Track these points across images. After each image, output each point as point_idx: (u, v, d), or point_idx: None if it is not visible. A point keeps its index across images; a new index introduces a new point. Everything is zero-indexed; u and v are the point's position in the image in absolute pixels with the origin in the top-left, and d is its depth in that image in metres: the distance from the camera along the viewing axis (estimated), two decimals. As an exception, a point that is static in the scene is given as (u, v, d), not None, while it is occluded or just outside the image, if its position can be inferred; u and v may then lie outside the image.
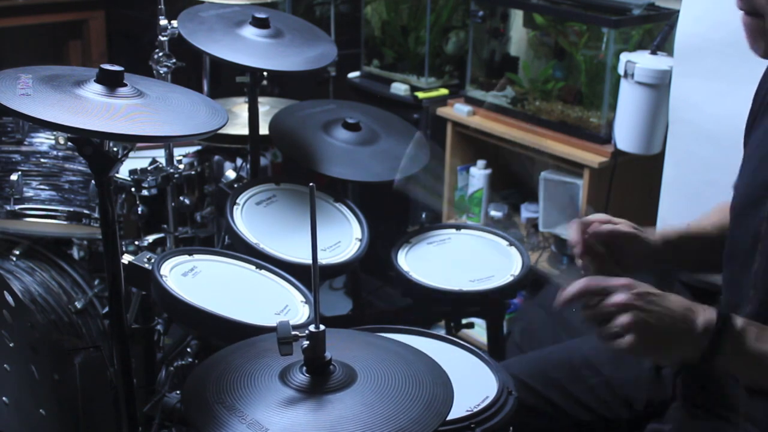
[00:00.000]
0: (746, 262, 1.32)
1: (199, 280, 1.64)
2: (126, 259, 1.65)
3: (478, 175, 2.85)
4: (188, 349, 1.87)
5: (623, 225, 1.47)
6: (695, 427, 1.39)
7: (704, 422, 1.37)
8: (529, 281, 1.98)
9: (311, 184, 1.17)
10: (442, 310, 2.03)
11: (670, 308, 1.17)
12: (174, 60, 2.16)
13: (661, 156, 2.40)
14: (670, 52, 2.38)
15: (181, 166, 2.31)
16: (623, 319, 1.16)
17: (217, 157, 2.62)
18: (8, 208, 1.92)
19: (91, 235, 2.08)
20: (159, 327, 1.94)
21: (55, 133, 1.97)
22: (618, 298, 1.18)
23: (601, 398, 1.53)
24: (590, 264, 1.45)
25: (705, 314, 1.18)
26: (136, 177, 2.20)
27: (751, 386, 1.27)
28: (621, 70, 2.38)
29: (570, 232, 1.46)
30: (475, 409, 1.34)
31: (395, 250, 1.98)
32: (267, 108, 2.59)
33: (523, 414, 1.43)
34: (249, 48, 2.02)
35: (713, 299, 1.45)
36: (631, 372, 1.53)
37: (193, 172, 2.38)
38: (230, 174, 2.24)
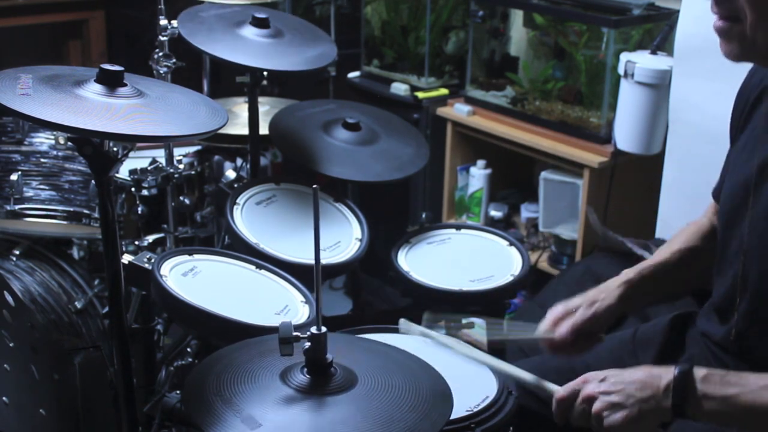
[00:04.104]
0: (734, 263, 1.33)
1: (199, 280, 1.64)
2: (126, 259, 1.65)
3: (478, 175, 2.85)
4: (188, 349, 1.87)
5: (581, 312, 1.49)
6: (693, 428, 1.39)
7: (702, 423, 1.37)
8: (529, 281, 1.97)
9: (315, 186, 1.17)
10: (442, 310, 2.03)
11: (632, 379, 1.24)
12: (174, 60, 2.16)
13: (661, 156, 2.40)
14: (670, 52, 2.38)
15: (181, 166, 2.31)
16: (595, 408, 1.24)
17: (217, 157, 2.62)
18: (8, 208, 1.92)
19: (91, 235, 2.08)
20: (159, 327, 1.94)
21: (55, 133, 1.97)
22: (584, 393, 1.27)
23: None
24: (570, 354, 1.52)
25: (667, 375, 1.22)
26: (136, 177, 2.20)
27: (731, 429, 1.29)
28: (621, 70, 2.38)
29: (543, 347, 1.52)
30: (475, 409, 1.34)
31: (395, 250, 1.98)
32: (267, 108, 2.59)
33: (525, 420, 1.43)
34: (249, 48, 2.02)
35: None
36: None
37: (193, 172, 2.38)
38: (230, 174, 2.24)
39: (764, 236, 1.27)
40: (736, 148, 1.40)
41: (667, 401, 1.20)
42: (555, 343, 1.49)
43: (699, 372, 1.21)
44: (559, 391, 1.30)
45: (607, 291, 1.50)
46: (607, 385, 1.25)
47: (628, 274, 1.52)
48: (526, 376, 1.40)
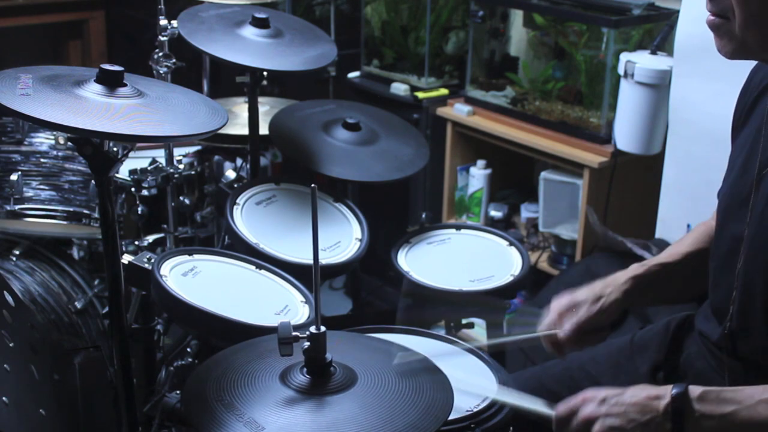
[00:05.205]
0: (730, 263, 1.33)
1: (199, 280, 1.64)
2: (126, 259, 1.65)
3: (478, 175, 2.85)
4: (188, 349, 1.87)
5: (585, 309, 1.48)
6: None
7: None
8: (529, 281, 1.97)
9: (313, 185, 1.16)
10: (442, 310, 2.03)
11: (631, 402, 1.23)
12: (174, 60, 2.16)
13: (661, 156, 2.40)
14: (670, 52, 2.38)
15: (181, 166, 2.31)
16: (595, 427, 1.23)
17: (217, 157, 2.62)
18: (8, 208, 1.92)
19: (91, 235, 2.08)
20: (159, 327, 1.94)
21: (55, 133, 1.97)
22: (582, 414, 1.25)
23: None
24: (572, 349, 1.52)
25: (665, 397, 1.22)
26: (136, 177, 2.20)
27: None
28: (621, 70, 2.38)
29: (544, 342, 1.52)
30: (475, 409, 1.34)
31: (395, 250, 1.98)
32: (267, 108, 2.59)
33: (524, 427, 1.43)
34: (249, 48, 2.02)
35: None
36: (628, 380, 1.53)
37: (193, 172, 2.38)
38: (230, 174, 2.24)
39: (765, 234, 1.27)
40: (736, 147, 1.40)
41: (668, 424, 1.20)
42: (559, 341, 1.48)
43: (695, 391, 1.21)
44: (557, 409, 1.29)
45: (614, 285, 1.50)
46: (607, 408, 1.24)
47: (637, 269, 1.51)
48: (524, 403, 1.38)
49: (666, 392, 1.22)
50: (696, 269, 1.50)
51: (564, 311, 1.49)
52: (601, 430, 1.22)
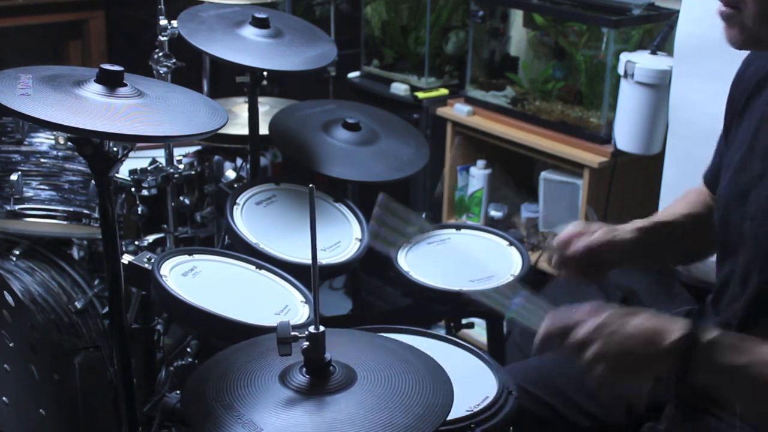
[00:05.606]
0: (735, 256, 1.33)
1: (199, 280, 1.64)
2: (126, 259, 1.65)
3: (478, 175, 2.85)
4: (188, 349, 1.87)
5: (599, 234, 1.49)
6: (690, 427, 1.39)
7: (699, 422, 1.38)
8: (529, 281, 1.97)
9: (311, 185, 1.17)
10: (442, 310, 2.03)
11: (633, 333, 1.17)
12: (174, 60, 2.16)
13: (661, 156, 2.40)
14: (670, 52, 2.38)
15: (181, 166, 2.31)
16: (589, 352, 1.17)
17: (217, 157, 2.62)
18: (8, 208, 1.92)
19: (91, 235, 2.08)
20: (159, 327, 1.94)
21: (55, 133, 1.97)
22: (579, 333, 1.19)
23: (602, 404, 1.53)
24: (568, 275, 1.50)
25: (674, 333, 1.16)
26: (136, 177, 2.20)
27: (732, 403, 1.24)
28: (621, 70, 2.38)
29: (549, 251, 1.51)
30: (475, 409, 1.34)
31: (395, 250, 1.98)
32: (267, 108, 2.59)
33: (525, 421, 1.43)
34: (249, 48, 2.02)
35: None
36: None
37: (193, 172, 2.38)
38: (230, 174, 2.24)
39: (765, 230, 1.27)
40: (736, 140, 1.40)
41: (670, 360, 1.15)
42: (566, 259, 1.47)
43: (708, 334, 1.14)
44: (548, 323, 1.23)
45: (623, 230, 1.50)
46: (608, 331, 1.17)
47: (641, 222, 1.51)
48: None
49: (675, 328, 1.15)
50: (689, 232, 1.51)
51: (576, 234, 1.48)
52: (594, 353, 1.17)
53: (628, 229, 1.51)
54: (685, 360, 1.14)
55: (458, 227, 2.11)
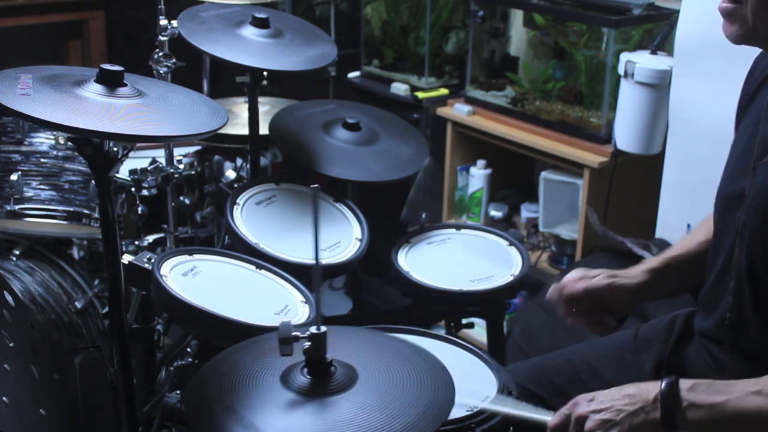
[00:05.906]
0: (728, 254, 1.34)
1: (199, 280, 1.64)
2: (126, 259, 1.65)
3: (478, 175, 2.85)
4: (188, 349, 1.86)
5: (599, 278, 1.50)
6: None
7: None
8: (529, 281, 1.97)
9: (315, 185, 1.16)
10: (442, 310, 2.03)
11: (621, 395, 1.25)
12: (174, 60, 2.16)
13: (661, 156, 2.40)
14: (670, 52, 2.38)
15: (181, 166, 2.31)
16: (587, 427, 1.23)
17: (217, 157, 2.62)
18: (8, 208, 1.92)
19: (91, 235, 2.08)
20: (159, 327, 1.94)
21: (55, 133, 1.97)
22: (575, 416, 1.26)
23: None
24: (578, 320, 1.52)
25: (655, 388, 1.23)
26: (136, 177, 2.20)
27: None
28: (621, 70, 2.38)
29: (550, 294, 1.53)
30: (476, 409, 1.34)
31: (395, 250, 1.98)
32: (267, 108, 2.59)
33: (525, 421, 1.43)
34: (249, 48, 2.02)
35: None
36: (631, 375, 1.53)
37: (193, 172, 2.38)
38: (230, 174, 2.24)
39: (761, 217, 1.27)
40: (738, 134, 1.41)
41: (656, 413, 1.21)
42: (567, 303, 1.49)
43: (685, 383, 1.22)
44: (551, 418, 1.29)
45: (630, 275, 1.50)
46: (596, 404, 1.25)
47: (651, 262, 1.52)
48: (520, 413, 1.38)
49: (656, 384, 1.23)
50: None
51: (575, 279, 1.50)
52: (592, 425, 1.23)
53: (637, 272, 1.51)
54: (671, 406, 1.21)
55: (458, 227, 2.11)
